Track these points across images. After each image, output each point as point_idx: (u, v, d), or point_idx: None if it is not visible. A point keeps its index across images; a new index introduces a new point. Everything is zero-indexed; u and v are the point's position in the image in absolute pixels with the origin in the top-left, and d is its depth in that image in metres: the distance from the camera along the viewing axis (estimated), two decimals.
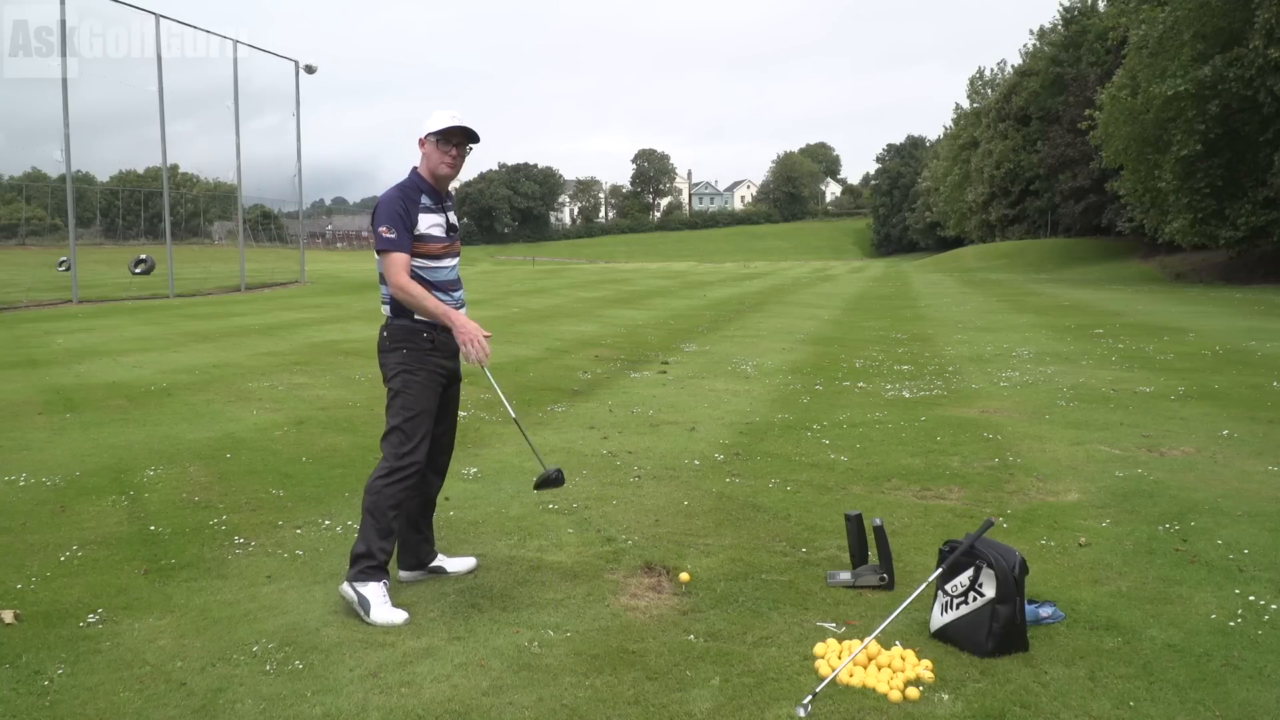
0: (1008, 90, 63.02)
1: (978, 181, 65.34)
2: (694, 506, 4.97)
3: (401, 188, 3.69)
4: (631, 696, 2.87)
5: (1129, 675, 2.98)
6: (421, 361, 3.69)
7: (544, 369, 10.57)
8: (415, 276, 3.65)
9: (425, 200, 3.69)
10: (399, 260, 3.59)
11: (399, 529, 3.79)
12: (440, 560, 4.01)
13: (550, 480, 3.73)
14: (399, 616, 3.47)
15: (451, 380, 3.85)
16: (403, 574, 3.94)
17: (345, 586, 3.56)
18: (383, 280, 3.70)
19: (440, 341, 3.70)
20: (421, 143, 3.72)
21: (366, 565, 3.54)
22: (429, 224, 3.68)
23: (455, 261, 3.85)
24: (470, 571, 4.00)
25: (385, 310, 3.76)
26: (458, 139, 3.71)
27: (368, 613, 3.46)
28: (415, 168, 3.78)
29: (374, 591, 3.51)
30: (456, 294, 3.81)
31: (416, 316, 3.67)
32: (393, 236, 3.59)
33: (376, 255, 3.69)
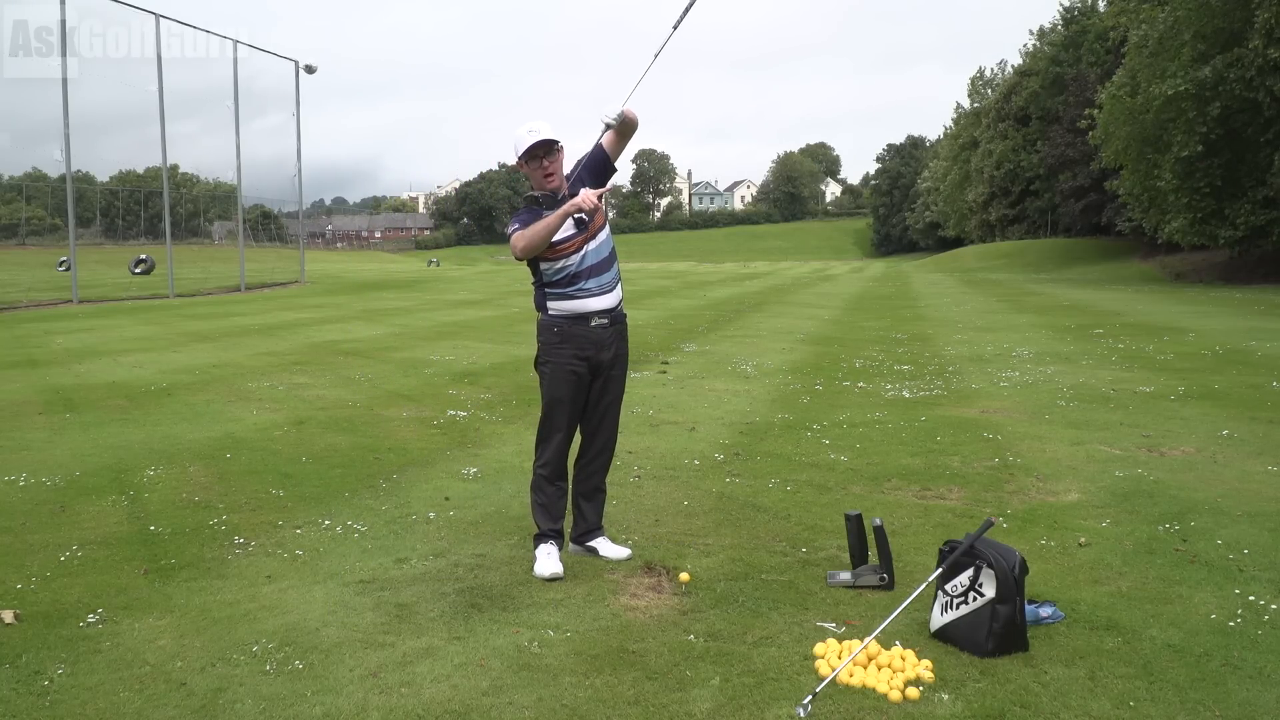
0: (1008, 90, 63.01)
1: (978, 181, 65.32)
2: (694, 506, 4.97)
3: (525, 207, 3.99)
4: (631, 696, 2.87)
5: (1129, 675, 2.98)
6: (551, 354, 3.99)
7: None
8: (552, 281, 3.94)
9: (546, 214, 3.88)
10: (515, 236, 3.86)
11: (558, 501, 4.14)
12: (596, 542, 4.22)
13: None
14: (546, 570, 3.87)
15: (594, 371, 4.03)
16: (571, 548, 4.23)
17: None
18: (534, 285, 4.04)
19: (570, 334, 3.94)
20: (520, 165, 3.94)
21: (535, 535, 4.08)
22: (562, 228, 3.87)
23: (597, 244, 3.98)
24: (622, 559, 4.12)
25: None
26: (541, 152, 3.89)
27: (534, 568, 3.92)
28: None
29: (539, 550, 3.99)
30: (599, 279, 3.97)
31: (550, 312, 3.97)
32: (516, 226, 3.88)
33: (517, 259, 3.95)
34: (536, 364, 4.09)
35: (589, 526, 4.24)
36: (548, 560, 3.94)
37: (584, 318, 3.96)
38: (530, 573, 3.96)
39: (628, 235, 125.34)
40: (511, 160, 4.01)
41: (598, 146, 4.01)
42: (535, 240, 3.81)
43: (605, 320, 4.01)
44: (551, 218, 3.79)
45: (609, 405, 4.15)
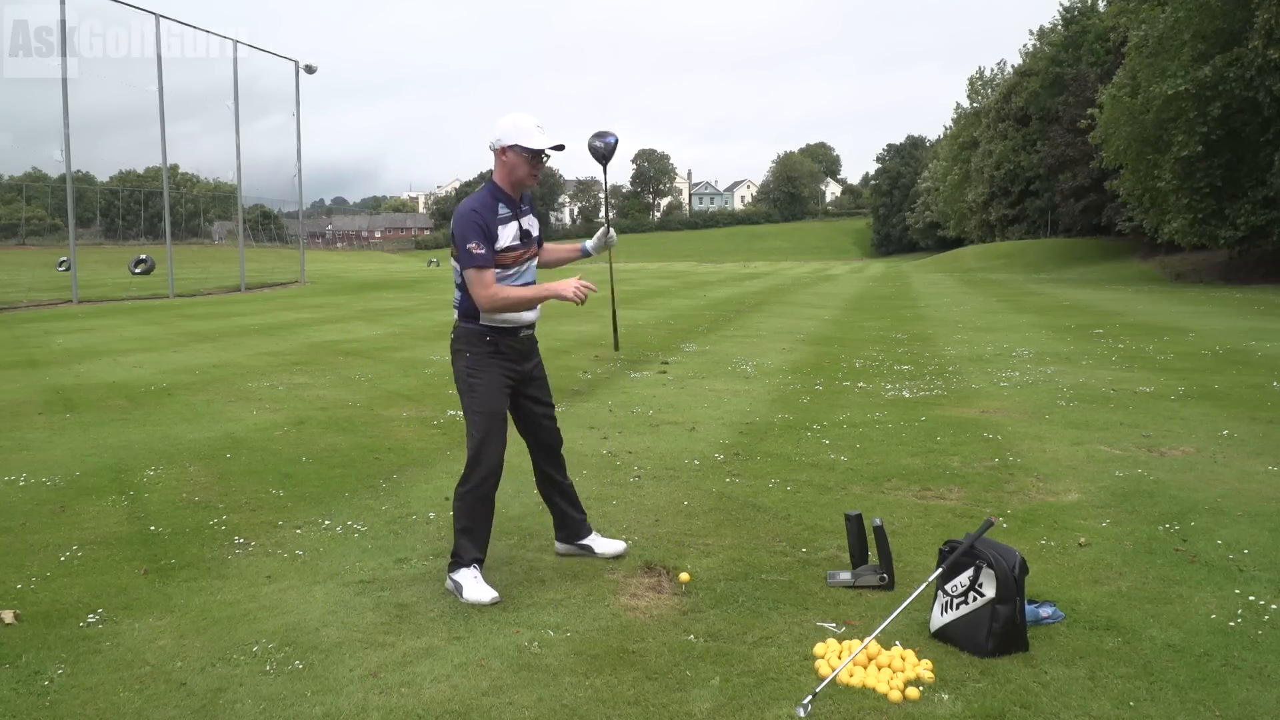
0: (1008, 90, 63.05)
1: (978, 181, 65.35)
2: (694, 506, 4.97)
3: (482, 197, 3.73)
4: (631, 696, 2.87)
5: (1129, 675, 2.98)
6: (484, 365, 3.77)
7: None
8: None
9: (502, 210, 3.73)
10: (489, 277, 3.64)
11: (488, 521, 3.91)
12: (591, 539, 4.17)
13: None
14: (486, 596, 3.64)
15: (523, 382, 3.93)
16: (558, 546, 4.19)
17: (447, 580, 3.78)
18: (459, 286, 3.78)
19: (504, 345, 3.80)
20: (502, 151, 3.70)
21: (455, 560, 3.78)
22: (507, 236, 3.72)
23: (532, 264, 3.89)
24: (619, 555, 4.12)
25: (455, 314, 3.85)
26: (545, 158, 3.76)
27: (461, 595, 3.66)
28: (493, 177, 3.80)
29: (464, 575, 3.72)
30: None
31: (482, 320, 3.76)
32: (481, 252, 3.61)
33: (458, 264, 3.72)
34: (466, 374, 3.77)
35: (576, 523, 4.18)
36: (475, 586, 3.67)
37: (514, 330, 3.82)
38: (528, 574, 3.95)
39: (628, 235, 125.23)
40: (498, 135, 3.68)
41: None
42: (513, 304, 3.65)
43: (530, 331, 3.93)
44: (535, 295, 3.70)
45: (546, 407, 4.06)
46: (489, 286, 3.64)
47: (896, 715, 2.75)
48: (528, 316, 3.87)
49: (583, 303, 3.74)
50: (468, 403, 3.78)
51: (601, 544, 4.18)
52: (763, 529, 4.57)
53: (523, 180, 3.76)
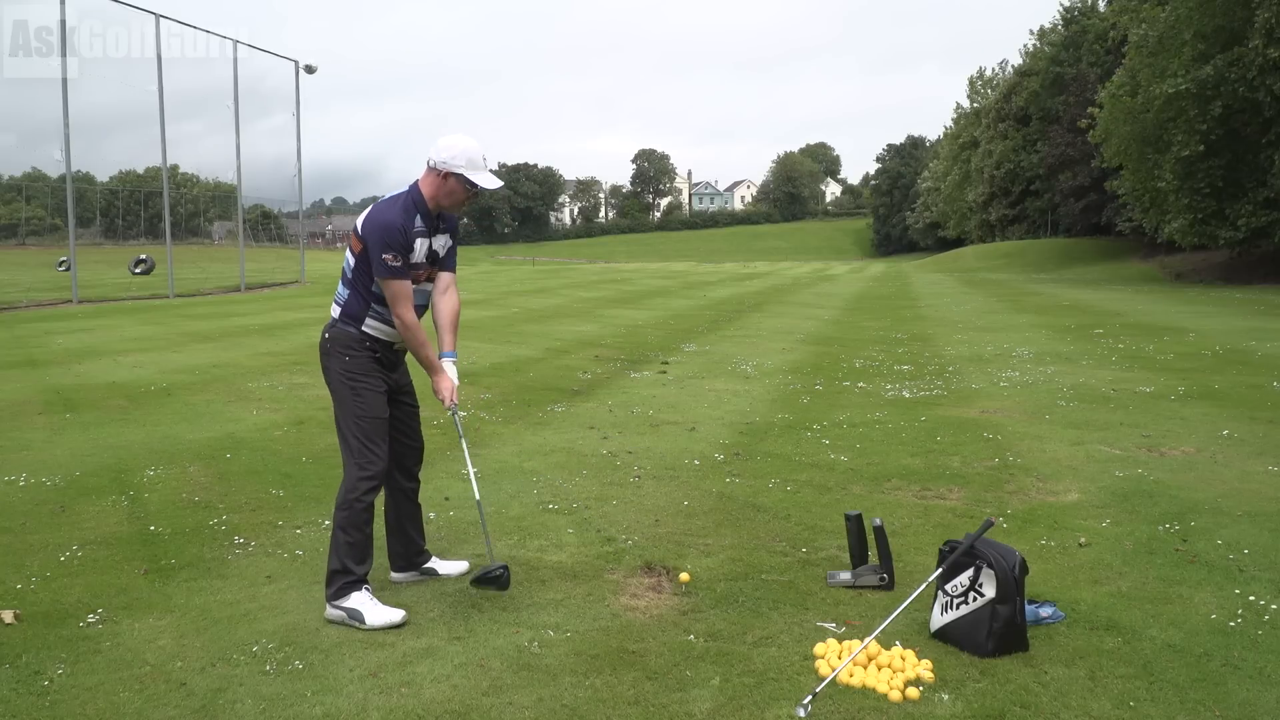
0: (1008, 90, 63.04)
1: (978, 181, 65.37)
2: (694, 506, 4.97)
3: (404, 208, 3.57)
4: (631, 696, 2.87)
5: (1129, 675, 2.98)
6: (365, 369, 3.63)
7: (544, 369, 10.58)
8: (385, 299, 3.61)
9: (418, 224, 3.60)
10: (405, 290, 3.55)
11: (388, 535, 3.91)
12: (434, 563, 4.00)
13: (491, 579, 3.54)
14: (396, 615, 3.45)
15: (396, 392, 3.80)
16: (395, 575, 3.94)
17: (329, 610, 3.49)
18: (344, 281, 3.67)
19: (380, 352, 3.68)
20: (443, 174, 3.55)
21: (345, 581, 3.50)
22: (418, 253, 3.61)
23: (430, 287, 3.77)
24: (464, 574, 3.96)
25: (335, 312, 3.69)
26: (478, 193, 3.65)
27: (363, 622, 3.41)
28: (417, 184, 3.63)
29: (360, 600, 3.48)
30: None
31: (365, 328, 3.64)
32: (398, 265, 3.51)
33: (351, 259, 3.61)
34: (347, 378, 3.61)
35: (419, 548, 3.97)
36: (380, 609, 3.47)
37: (390, 343, 3.72)
38: (528, 574, 3.95)
39: (627, 235, 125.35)
40: (445, 156, 3.51)
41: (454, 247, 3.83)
42: (416, 339, 3.61)
43: (403, 347, 3.80)
44: (427, 354, 3.66)
45: (415, 418, 3.94)
46: (407, 307, 3.56)
47: (896, 715, 2.75)
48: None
49: (443, 405, 3.80)
50: (351, 407, 3.60)
51: (445, 565, 4.01)
52: (763, 529, 4.57)
53: (452, 206, 3.66)
